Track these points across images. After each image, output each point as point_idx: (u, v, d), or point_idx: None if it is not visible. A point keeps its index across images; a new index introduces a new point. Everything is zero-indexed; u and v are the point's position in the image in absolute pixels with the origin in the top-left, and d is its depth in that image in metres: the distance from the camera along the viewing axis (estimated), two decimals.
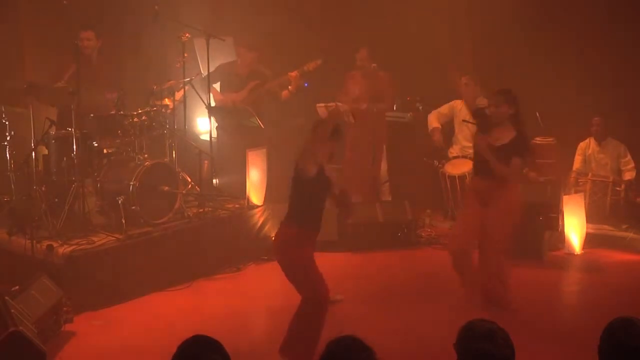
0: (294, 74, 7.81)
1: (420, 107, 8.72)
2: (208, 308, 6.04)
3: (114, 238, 6.30)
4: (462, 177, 8.11)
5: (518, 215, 5.90)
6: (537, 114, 8.22)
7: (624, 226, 7.59)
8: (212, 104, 7.71)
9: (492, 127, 5.85)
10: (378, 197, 8.40)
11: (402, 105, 8.89)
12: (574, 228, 7.29)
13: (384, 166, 8.73)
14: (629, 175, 7.86)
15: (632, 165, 7.91)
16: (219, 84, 8.11)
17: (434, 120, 8.62)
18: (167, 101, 7.31)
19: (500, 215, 5.72)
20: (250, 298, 6.36)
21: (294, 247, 4.83)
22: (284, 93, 7.93)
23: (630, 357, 2.67)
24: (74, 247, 6.09)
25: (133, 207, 6.45)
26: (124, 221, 6.34)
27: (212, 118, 7.71)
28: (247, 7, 8.66)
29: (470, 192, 6.09)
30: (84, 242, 6.19)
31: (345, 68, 8.66)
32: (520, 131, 5.80)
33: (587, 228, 7.39)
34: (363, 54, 8.19)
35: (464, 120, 8.27)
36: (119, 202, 6.39)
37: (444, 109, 8.71)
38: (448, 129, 8.75)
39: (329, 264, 6.35)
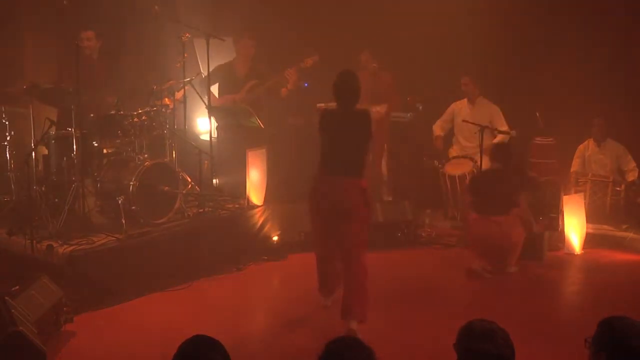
0: (290, 71, 7.80)
1: (420, 107, 8.74)
2: (208, 308, 6.04)
3: (114, 238, 6.30)
4: (462, 177, 8.11)
5: None
6: (537, 114, 8.23)
7: (624, 226, 7.59)
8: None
9: None
10: (378, 197, 8.40)
11: (402, 105, 8.89)
12: (574, 228, 7.29)
13: (384, 166, 8.74)
14: (632, 176, 7.86)
15: (633, 165, 7.92)
16: (216, 87, 8.10)
17: (437, 129, 8.70)
18: (167, 101, 7.32)
19: None
20: (250, 298, 6.36)
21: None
22: (283, 90, 7.92)
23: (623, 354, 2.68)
24: (74, 247, 6.08)
25: (133, 207, 6.45)
26: (124, 221, 6.34)
27: (212, 118, 7.71)
28: (247, 7, 8.67)
29: None
30: (84, 242, 6.18)
31: (345, 68, 8.65)
32: None
33: (587, 228, 7.39)
34: (366, 55, 8.20)
35: (464, 121, 8.28)
36: (119, 202, 6.40)
37: (445, 115, 8.75)
38: (448, 129, 8.79)
39: None
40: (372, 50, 8.25)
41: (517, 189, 6.83)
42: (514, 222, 6.73)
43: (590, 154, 8.12)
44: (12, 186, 6.92)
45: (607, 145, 8.05)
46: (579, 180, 7.95)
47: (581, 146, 8.20)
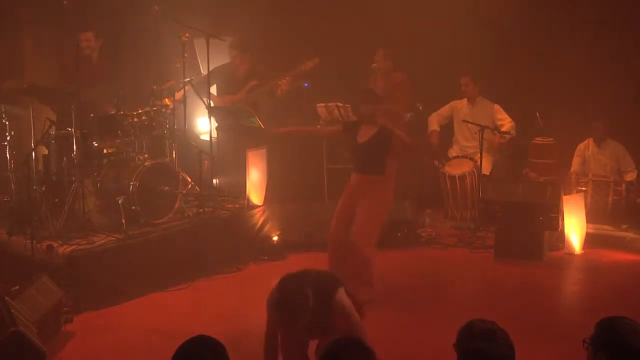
0: (285, 80, 7.78)
1: (420, 107, 8.73)
2: (208, 308, 6.04)
3: (114, 238, 6.30)
4: (462, 177, 8.11)
5: (388, 209, 6.28)
6: (537, 114, 8.22)
7: (624, 226, 7.58)
8: (212, 104, 7.71)
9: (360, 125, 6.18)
10: None
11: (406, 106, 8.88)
12: (574, 228, 7.28)
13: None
14: (630, 177, 7.85)
15: (633, 166, 7.90)
16: (215, 86, 8.09)
17: (433, 123, 8.66)
18: (167, 101, 7.32)
19: (372, 209, 6.01)
20: (250, 298, 6.35)
21: None
22: (278, 92, 7.92)
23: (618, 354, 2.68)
24: (74, 247, 6.09)
25: (133, 207, 6.45)
26: (124, 221, 6.34)
27: (212, 118, 7.71)
28: (247, 7, 8.66)
29: (348, 187, 6.28)
30: (84, 242, 6.19)
31: (345, 68, 8.67)
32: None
33: (587, 228, 7.39)
34: (379, 54, 8.20)
35: (464, 121, 8.29)
36: (119, 202, 6.39)
37: (444, 110, 8.73)
38: (448, 129, 8.77)
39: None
40: (387, 50, 8.24)
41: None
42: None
43: (590, 154, 8.10)
44: (12, 186, 6.92)
45: (607, 146, 8.03)
46: (580, 181, 7.94)
47: (581, 145, 8.18)
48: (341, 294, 4.34)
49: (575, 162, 8.17)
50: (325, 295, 4.27)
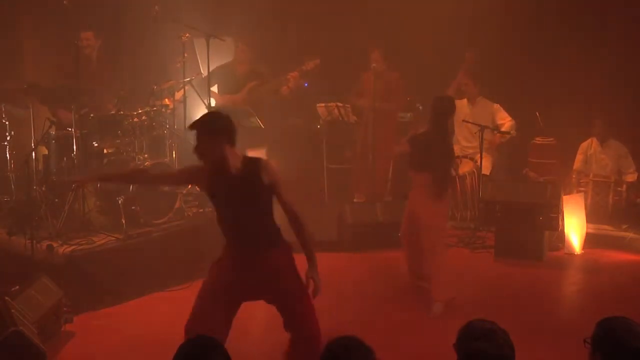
0: (293, 74, 7.82)
1: (421, 107, 8.74)
2: None
3: (114, 238, 6.31)
4: (462, 177, 8.11)
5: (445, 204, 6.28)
6: (537, 114, 8.23)
7: (624, 226, 7.58)
8: (213, 104, 7.71)
9: None
10: (380, 197, 8.38)
11: (404, 105, 8.90)
12: (574, 228, 7.28)
13: (391, 166, 8.74)
14: (630, 178, 7.84)
15: (633, 168, 7.89)
16: (216, 86, 8.10)
17: None
18: (167, 101, 7.32)
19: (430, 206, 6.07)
20: None
21: None
22: (284, 89, 7.92)
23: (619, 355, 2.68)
24: (74, 247, 6.09)
25: (133, 207, 6.46)
26: (124, 221, 6.34)
27: None
28: (247, 7, 8.66)
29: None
30: (84, 242, 6.19)
31: (345, 68, 8.67)
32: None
33: (587, 228, 7.39)
34: (376, 54, 8.21)
35: (464, 121, 8.28)
36: (119, 202, 6.40)
37: None
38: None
39: (329, 264, 6.36)
40: (383, 49, 8.25)
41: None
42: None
43: (592, 153, 8.09)
44: (12, 186, 6.92)
45: (610, 146, 8.01)
46: (581, 181, 7.94)
47: (584, 144, 8.17)
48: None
49: (578, 160, 8.15)
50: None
